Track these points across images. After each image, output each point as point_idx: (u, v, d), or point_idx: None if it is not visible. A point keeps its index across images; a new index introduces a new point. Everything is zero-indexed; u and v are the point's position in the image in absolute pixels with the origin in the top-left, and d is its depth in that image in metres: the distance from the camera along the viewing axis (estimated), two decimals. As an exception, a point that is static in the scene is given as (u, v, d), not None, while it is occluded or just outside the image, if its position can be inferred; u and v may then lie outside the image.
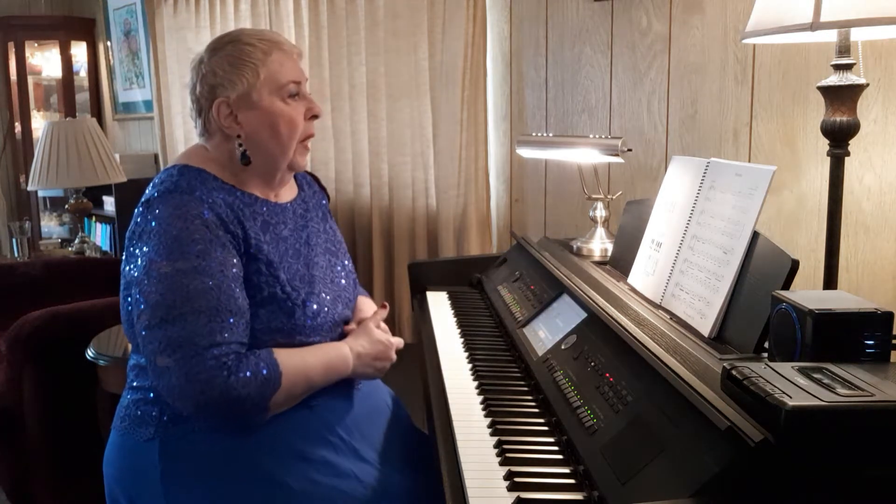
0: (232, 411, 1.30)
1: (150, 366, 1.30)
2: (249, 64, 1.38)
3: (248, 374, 1.27)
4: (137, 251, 1.33)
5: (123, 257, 1.39)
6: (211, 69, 1.39)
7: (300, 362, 1.35)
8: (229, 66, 1.38)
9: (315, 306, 1.41)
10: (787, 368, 0.95)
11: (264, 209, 1.43)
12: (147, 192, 1.39)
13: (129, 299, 1.35)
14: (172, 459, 1.35)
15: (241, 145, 1.41)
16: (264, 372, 1.29)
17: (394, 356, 1.53)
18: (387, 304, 1.57)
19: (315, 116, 1.45)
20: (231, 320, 1.29)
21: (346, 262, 1.60)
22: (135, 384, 1.42)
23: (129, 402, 1.42)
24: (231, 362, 1.26)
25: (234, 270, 1.32)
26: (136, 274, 1.32)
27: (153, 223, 1.32)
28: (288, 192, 1.53)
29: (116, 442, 1.43)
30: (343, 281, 1.54)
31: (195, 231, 1.30)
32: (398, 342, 1.54)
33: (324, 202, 1.65)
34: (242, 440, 1.35)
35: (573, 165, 2.17)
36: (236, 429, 1.34)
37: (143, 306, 1.29)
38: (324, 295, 1.45)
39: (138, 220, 1.35)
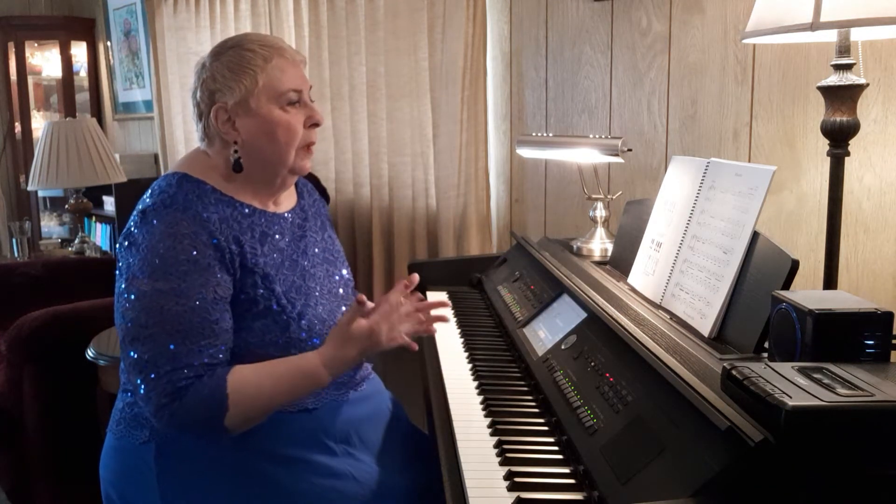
0: (188, 434, 1.32)
1: (129, 378, 1.32)
2: (248, 70, 1.37)
3: (192, 400, 1.25)
4: (124, 262, 1.33)
5: (117, 260, 1.39)
6: (211, 74, 1.38)
7: (254, 386, 1.30)
8: (229, 71, 1.37)
9: (310, 319, 1.40)
10: (787, 368, 0.95)
11: (262, 220, 1.42)
12: (145, 198, 1.38)
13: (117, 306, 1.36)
14: (168, 461, 1.35)
15: (235, 152, 1.40)
16: (208, 399, 1.26)
17: (396, 336, 1.37)
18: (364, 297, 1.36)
19: (316, 124, 1.44)
20: (202, 343, 1.28)
21: (345, 272, 1.58)
22: (128, 387, 1.42)
23: (123, 404, 1.42)
24: (183, 385, 1.25)
25: (218, 292, 1.31)
26: (121, 285, 1.33)
27: (144, 236, 1.31)
28: (287, 201, 1.52)
29: (112, 444, 1.43)
30: (341, 290, 1.53)
31: (182, 252, 1.29)
32: (390, 305, 1.36)
33: (324, 210, 1.64)
34: (240, 442, 1.35)
35: (573, 165, 2.17)
36: (222, 438, 1.34)
37: (121, 321, 1.30)
38: (320, 308, 1.44)
39: (132, 227, 1.34)
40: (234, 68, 1.37)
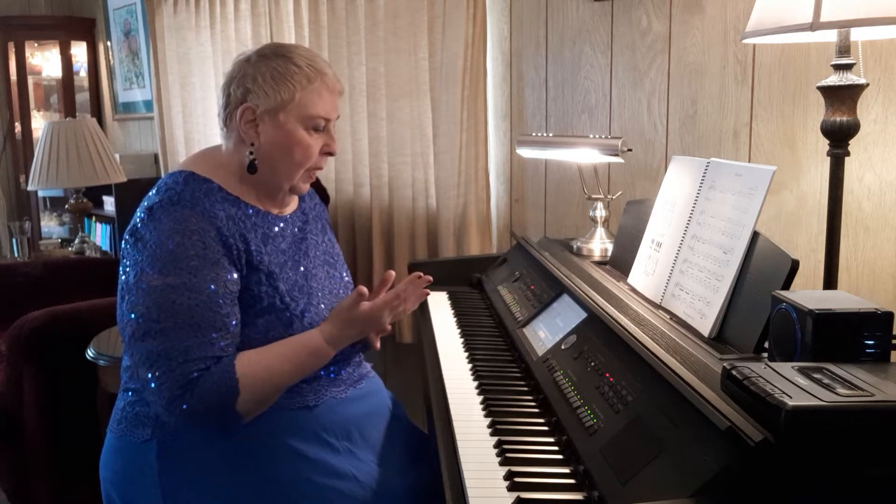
0: (202, 425, 1.32)
1: (136, 374, 1.34)
2: (289, 84, 1.38)
3: (204, 390, 1.27)
4: (131, 259, 1.34)
5: (121, 255, 1.39)
6: (253, 73, 1.39)
7: (263, 368, 1.33)
8: (271, 78, 1.38)
9: (312, 317, 1.42)
10: (787, 368, 0.95)
11: (265, 222, 1.43)
12: (151, 195, 1.39)
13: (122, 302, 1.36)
14: (170, 459, 1.36)
15: (251, 153, 1.41)
16: (218, 386, 1.28)
17: (384, 326, 1.46)
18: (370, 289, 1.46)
19: (330, 153, 1.45)
20: (213, 335, 1.29)
21: (345, 274, 1.60)
22: (129, 385, 1.42)
23: (124, 403, 1.43)
24: (195, 377, 1.27)
25: (227, 287, 1.32)
26: (128, 280, 1.33)
27: (152, 232, 1.32)
28: (289, 204, 1.53)
29: (113, 444, 1.43)
30: (341, 292, 1.55)
31: (191, 247, 1.30)
32: (383, 302, 1.44)
33: (324, 214, 1.65)
34: (241, 440, 1.36)
35: (573, 165, 2.17)
36: (234, 429, 1.35)
37: (130, 317, 1.31)
38: (322, 306, 1.45)
39: (138, 224, 1.35)
40: (276, 77, 1.38)
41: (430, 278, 1.50)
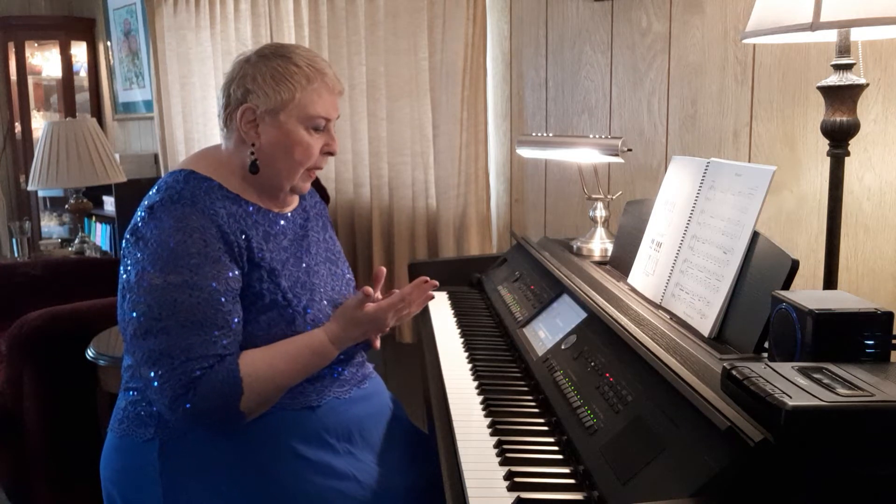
0: (205, 424, 1.33)
1: (138, 373, 1.34)
2: (289, 84, 1.38)
3: (207, 389, 1.27)
4: (132, 257, 1.34)
5: (122, 255, 1.40)
6: (253, 74, 1.39)
7: (267, 367, 1.34)
8: (271, 78, 1.38)
9: (315, 314, 1.42)
10: (787, 368, 0.95)
11: (265, 220, 1.43)
12: (151, 193, 1.39)
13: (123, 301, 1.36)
14: (172, 458, 1.36)
15: (252, 153, 1.41)
16: (222, 385, 1.28)
17: (384, 327, 1.47)
18: (370, 289, 1.46)
19: (330, 153, 1.46)
20: (216, 333, 1.30)
21: (346, 271, 1.61)
22: (130, 385, 1.42)
23: (126, 403, 1.43)
24: (198, 376, 1.27)
25: (228, 284, 1.32)
26: (129, 279, 1.33)
27: (153, 230, 1.32)
28: (290, 202, 1.54)
29: (114, 443, 1.43)
30: (343, 288, 1.55)
31: (192, 245, 1.30)
32: (389, 303, 1.45)
33: (324, 211, 1.65)
34: (243, 440, 1.36)
35: (573, 165, 2.17)
36: (237, 428, 1.35)
37: (132, 315, 1.31)
38: (324, 303, 1.46)
39: (139, 222, 1.35)
40: (276, 77, 1.38)
41: (436, 283, 1.50)
